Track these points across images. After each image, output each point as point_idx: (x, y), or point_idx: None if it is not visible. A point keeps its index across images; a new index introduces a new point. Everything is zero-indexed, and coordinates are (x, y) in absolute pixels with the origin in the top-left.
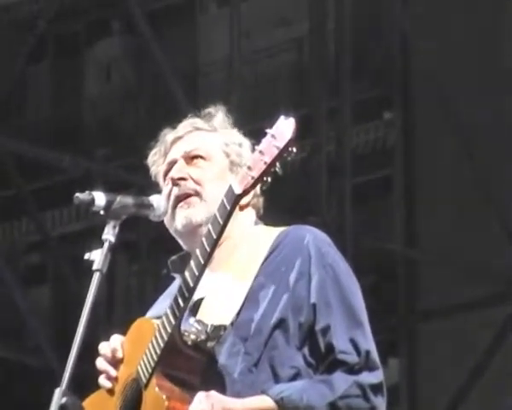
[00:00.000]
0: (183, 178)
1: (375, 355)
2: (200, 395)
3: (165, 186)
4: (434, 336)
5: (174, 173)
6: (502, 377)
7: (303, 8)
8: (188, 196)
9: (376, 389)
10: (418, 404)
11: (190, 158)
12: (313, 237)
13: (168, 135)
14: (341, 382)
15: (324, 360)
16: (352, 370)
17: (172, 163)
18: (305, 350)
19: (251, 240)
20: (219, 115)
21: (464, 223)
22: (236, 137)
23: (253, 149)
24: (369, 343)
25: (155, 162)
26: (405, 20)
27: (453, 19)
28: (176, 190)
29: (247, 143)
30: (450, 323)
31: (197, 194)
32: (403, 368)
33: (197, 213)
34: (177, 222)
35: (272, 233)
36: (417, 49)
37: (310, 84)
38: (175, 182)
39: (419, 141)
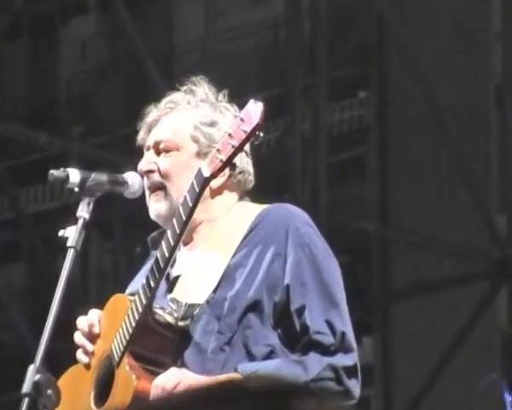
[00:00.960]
0: (150, 170)
1: (350, 337)
2: (172, 370)
3: None
4: (408, 316)
5: (142, 165)
6: (478, 355)
7: None
8: (155, 188)
9: (350, 371)
10: (393, 383)
11: (160, 148)
12: (293, 216)
13: (149, 115)
14: (315, 363)
15: (299, 341)
16: (326, 351)
17: (147, 149)
18: (280, 330)
19: (231, 218)
20: (201, 86)
21: (438, 202)
22: (211, 114)
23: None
24: (345, 325)
25: (143, 139)
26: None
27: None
28: (146, 181)
29: (225, 117)
30: (423, 302)
31: (163, 187)
32: (377, 347)
33: (163, 207)
34: (151, 212)
35: (254, 211)
36: (393, 27)
37: (285, 63)
38: (144, 173)
39: (394, 120)
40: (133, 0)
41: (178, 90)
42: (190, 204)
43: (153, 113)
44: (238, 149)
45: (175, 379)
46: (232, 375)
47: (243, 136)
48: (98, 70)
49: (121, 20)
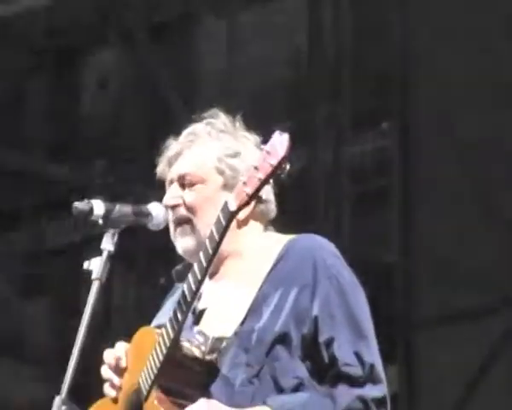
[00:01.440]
0: (176, 205)
1: (379, 368)
2: (201, 401)
3: None
4: (432, 345)
5: (168, 200)
6: (502, 387)
7: (301, 18)
8: (181, 222)
9: (379, 403)
10: None
11: (185, 182)
12: (319, 247)
13: (170, 147)
14: (344, 396)
15: (328, 372)
16: (355, 383)
17: (170, 183)
18: (309, 362)
19: (257, 250)
20: (220, 117)
21: (462, 234)
22: (234, 144)
23: (261, 144)
24: (373, 356)
25: (162, 173)
26: (406, 31)
27: (456, 31)
28: (171, 215)
29: (247, 146)
30: (447, 332)
31: (189, 221)
32: (401, 377)
33: (190, 242)
34: (177, 247)
35: (280, 242)
36: (417, 59)
37: (307, 94)
38: (169, 208)
39: (417, 152)
40: (155, 31)
41: (196, 119)
42: (217, 238)
43: (173, 146)
44: (264, 183)
45: None
46: (264, 409)
47: (269, 169)
48: (120, 103)
49: (143, 52)
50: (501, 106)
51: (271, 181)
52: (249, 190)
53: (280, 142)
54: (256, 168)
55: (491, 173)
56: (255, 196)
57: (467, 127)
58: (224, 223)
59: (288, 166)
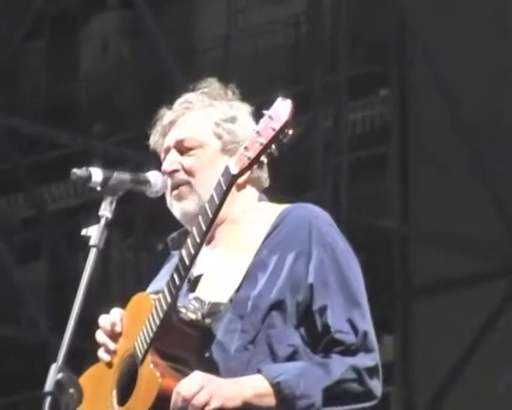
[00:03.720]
0: (175, 170)
1: (372, 337)
2: (195, 376)
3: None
4: (429, 313)
5: (167, 166)
6: (498, 354)
7: None
8: (179, 185)
9: (372, 371)
10: (413, 381)
11: (182, 147)
12: (314, 216)
13: (165, 116)
14: (338, 366)
15: (321, 340)
16: (348, 350)
17: (167, 151)
18: (303, 329)
19: (252, 217)
20: (214, 86)
21: (459, 200)
22: (230, 110)
23: (255, 118)
24: (366, 324)
25: (156, 143)
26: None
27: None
28: (169, 181)
29: (242, 113)
30: (444, 299)
31: (188, 183)
32: (398, 346)
33: (190, 204)
34: (175, 213)
35: (275, 211)
36: (415, 25)
37: (306, 61)
38: (168, 174)
39: (415, 119)
40: None
41: (191, 89)
42: (217, 202)
43: (167, 115)
44: (266, 147)
45: (197, 387)
46: (260, 382)
47: (272, 133)
48: (119, 67)
49: (142, 17)
50: (501, 78)
51: (273, 146)
52: (251, 154)
53: (283, 107)
54: (258, 133)
55: (491, 140)
56: (257, 160)
57: (465, 95)
58: (224, 187)
59: (290, 132)
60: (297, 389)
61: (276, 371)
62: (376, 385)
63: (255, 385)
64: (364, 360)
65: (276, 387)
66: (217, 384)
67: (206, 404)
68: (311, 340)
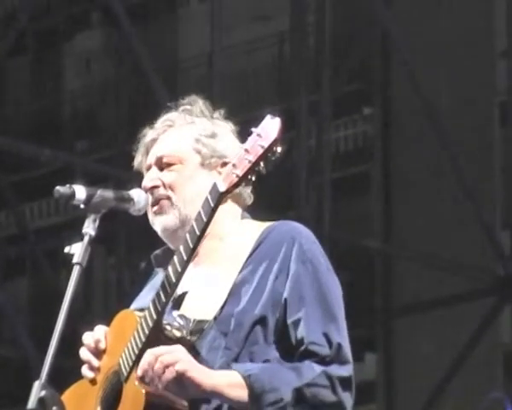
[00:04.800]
0: (155, 186)
1: (347, 349)
2: (176, 348)
3: None
4: (411, 332)
5: (147, 182)
6: (482, 372)
7: (283, 3)
8: (159, 200)
9: (345, 382)
10: (396, 399)
11: (163, 163)
12: (297, 232)
13: (147, 136)
14: (310, 370)
15: (296, 352)
16: (322, 361)
17: (149, 168)
18: (279, 344)
19: (236, 235)
20: (197, 104)
21: (442, 220)
22: (210, 126)
23: (239, 136)
24: (341, 338)
25: (140, 163)
26: (386, 17)
27: (434, 16)
28: (150, 198)
29: (224, 130)
30: (426, 319)
31: (168, 198)
32: (380, 364)
33: (170, 218)
34: (156, 228)
35: (258, 228)
36: (398, 44)
37: (290, 79)
38: (148, 190)
39: (397, 137)
40: (138, 14)
41: (174, 106)
42: (205, 219)
43: (150, 133)
44: (255, 165)
45: (171, 350)
46: (232, 373)
47: (260, 151)
48: (103, 85)
49: (126, 34)
50: (489, 96)
51: (262, 164)
52: (239, 171)
53: (271, 125)
54: (246, 150)
55: (474, 160)
56: (245, 178)
57: (449, 113)
58: (212, 204)
59: (279, 150)
60: (267, 384)
61: (248, 366)
62: (348, 398)
63: (228, 375)
64: (338, 370)
65: (247, 380)
66: (190, 358)
67: (173, 364)
68: (286, 353)
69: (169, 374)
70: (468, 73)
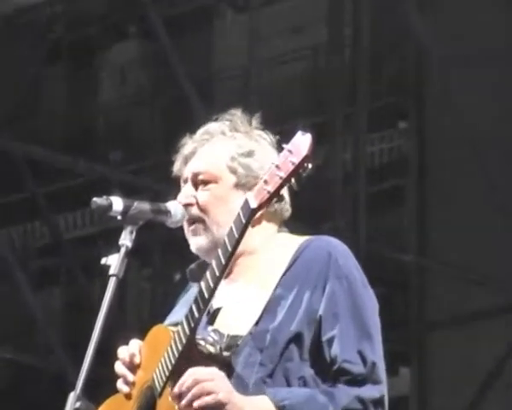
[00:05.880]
0: (189, 204)
1: (381, 368)
2: (217, 370)
3: None
4: (446, 347)
5: (182, 198)
6: None
7: (320, 14)
8: (194, 221)
9: (377, 404)
10: None
11: (198, 180)
12: (333, 247)
13: (186, 146)
14: (343, 395)
15: (329, 370)
16: (355, 380)
17: (185, 181)
18: (314, 361)
19: (271, 251)
20: (236, 117)
21: (477, 234)
22: (248, 143)
23: (279, 147)
24: (376, 356)
25: (178, 170)
26: (422, 29)
27: (471, 27)
28: (185, 214)
29: (262, 145)
30: (461, 333)
31: (202, 221)
32: (414, 379)
33: (203, 241)
34: (191, 245)
35: (293, 243)
36: (433, 58)
37: (326, 92)
38: (183, 206)
39: (433, 151)
40: (175, 26)
41: (214, 120)
42: (236, 235)
43: (188, 144)
44: (286, 181)
45: (211, 376)
46: (266, 403)
47: (291, 167)
48: (138, 96)
49: (162, 46)
50: None
51: (293, 180)
52: (270, 188)
53: (302, 141)
54: (277, 167)
55: (507, 174)
56: (276, 194)
57: (483, 127)
58: (243, 220)
59: (309, 166)
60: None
61: (283, 394)
62: None
63: (262, 406)
64: (371, 392)
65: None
66: (229, 387)
67: (213, 393)
68: (320, 371)
69: (207, 400)
70: (505, 86)
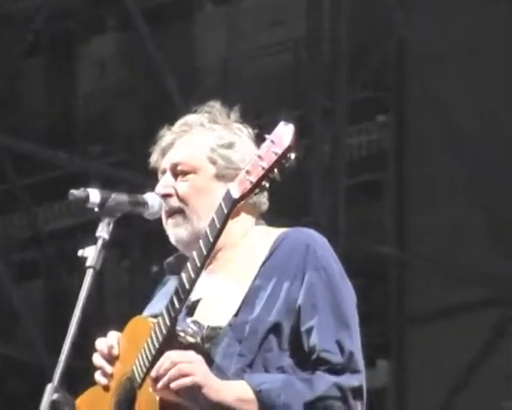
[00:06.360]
0: (168, 194)
1: (359, 358)
2: (194, 354)
3: None
4: (424, 340)
5: (160, 189)
6: (495, 382)
7: (300, 8)
8: (173, 212)
9: (356, 392)
10: (406, 407)
11: (177, 170)
12: (311, 239)
13: (164, 137)
14: (321, 382)
15: (308, 359)
16: (334, 369)
17: (164, 172)
18: (292, 351)
19: (249, 242)
20: (215, 109)
21: (456, 227)
22: (228, 135)
23: (257, 140)
24: (354, 345)
25: (156, 162)
26: (402, 23)
27: (451, 23)
28: (164, 205)
29: (241, 138)
30: (440, 326)
31: (181, 212)
32: (392, 371)
33: (182, 232)
34: (170, 237)
35: (272, 235)
36: (414, 51)
37: (305, 85)
38: (161, 197)
39: (412, 145)
40: (153, 19)
41: (193, 112)
42: (218, 226)
43: (167, 136)
44: (268, 171)
45: (189, 358)
46: (244, 387)
47: (274, 158)
48: (117, 89)
49: (141, 38)
50: (502, 101)
51: (275, 171)
52: (252, 178)
53: (285, 131)
54: (260, 157)
55: (487, 167)
56: (259, 184)
57: (464, 120)
58: (225, 210)
59: (292, 156)
60: (278, 399)
61: (260, 379)
62: (358, 407)
63: (239, 389)
64: (350, 380)
65: (259, 395)
66: (207, 371)
67: (191, 375)
68: (299, 361)
69: (184, 382)
70: (489, 82)
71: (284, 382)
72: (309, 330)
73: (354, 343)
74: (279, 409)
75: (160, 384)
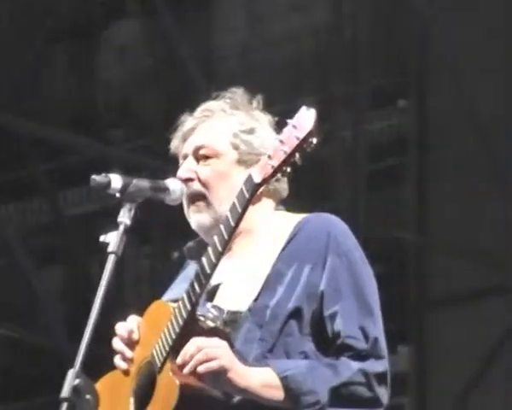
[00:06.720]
0: (190, 179)
1: (383, 344)
2: (219, 341)
3: None
4: (445, 325)
5: (182, 173)
6: None
7: None
8: (196, 198)
9: (381, 378)
10: (427, 392)
11: (199, 155)
12: (332, 225)
13: (186, 122)
14: (346, 368)
15: (332, 345)
16: (358, 356)
17: (185, 157)
18: (315, 336)
19: (270, 227)
20: (237, 95)
21: (477, 212)
22: (249, 121)
23: (277, 128)
24: (378, 331)
25: (176, 148)
26: (425, 7)
27: (476, 7)
28: (185, 190)
29: (262, 124)
30: (460, 311)
31: (204, 198)
32: (413, 356)
33: (205, 218)
34: (191, 222)
35: (292, 220)
36: (436, 36)
37: (326, 70)
38: (183, 181)
39: (433, 129)
40: (175, 4)
41: (214, 98)
42: (240, 210)
43: (188, 121)
44: (290, 156)
45: (215, 343)
46: (269, 374)
47: (296, 142)
48: (138, 74)
49: (163, 24)
50: None
51: (297, 156)
52: (274, 163)
53: (307, 116)
54: (281, 142)
55: (510, 152)
56: (280, 169)
57: (483, 104)
58: (247, 195)
59: (314, 141)
60: (304, 385)
61: (286, 365)
62: (383, 393)
63: (264, 375)
64: (374, 366)
65: (284, 381)
66: (232, 355)
67: (217, 358)
68: (322, 346)
69: (211, 365)
70: (508, 63)
71: (309, 368)
72: (333, 316)
73: (378, 329)
74: (305, 395)
75: (186, 369)
